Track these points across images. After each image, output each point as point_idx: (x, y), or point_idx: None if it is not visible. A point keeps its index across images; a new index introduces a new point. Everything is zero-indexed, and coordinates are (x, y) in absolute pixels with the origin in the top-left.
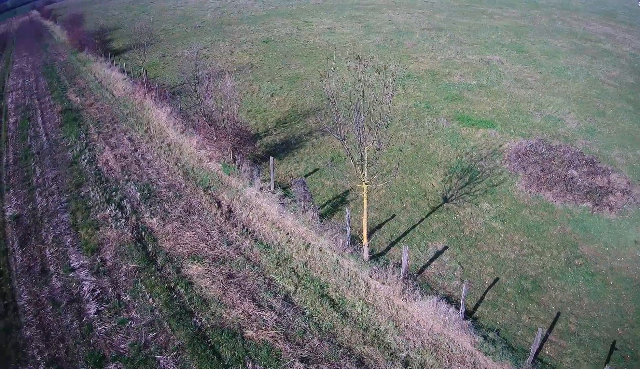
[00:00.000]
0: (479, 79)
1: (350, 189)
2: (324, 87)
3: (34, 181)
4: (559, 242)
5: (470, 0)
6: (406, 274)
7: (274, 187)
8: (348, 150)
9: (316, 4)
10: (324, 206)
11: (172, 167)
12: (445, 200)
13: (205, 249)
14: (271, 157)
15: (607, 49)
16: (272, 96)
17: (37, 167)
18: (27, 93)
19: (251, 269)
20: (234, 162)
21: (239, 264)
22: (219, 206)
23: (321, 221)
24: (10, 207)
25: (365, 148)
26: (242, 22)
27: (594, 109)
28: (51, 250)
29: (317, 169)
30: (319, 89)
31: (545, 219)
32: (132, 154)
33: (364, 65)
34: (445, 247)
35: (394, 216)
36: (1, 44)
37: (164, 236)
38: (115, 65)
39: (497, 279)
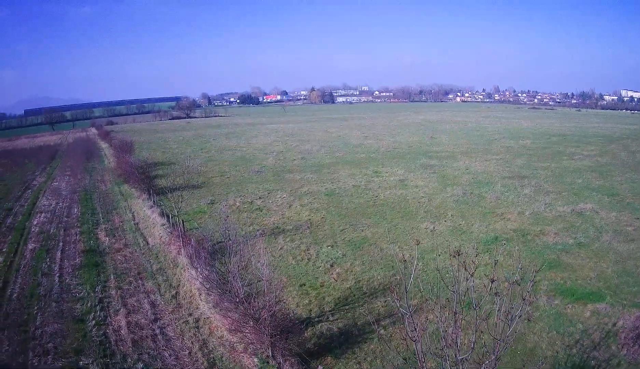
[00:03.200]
0: (576, 236)
1: None
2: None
3: (31, 330)
4: None
5: (547, 142)
6: None
7: None
8: None
9: (387, 151)
10: None
11: (195, 353)
12: None
13: None
14: (320, 368)
15: None
16: (332, 266)
17: (39, 315)
18: (56, 219)
19: None
20: (273, 358)
21: None
22: None
23: None
24: None
25: None
26: (305, 170)
27: None
28: None
29: None
30: (390, 257)
31: None
32: (151, 325)
33: (468, 271)
34: None
35: None
36: (49, 156)
37: None
38: (158, 206)
39: None
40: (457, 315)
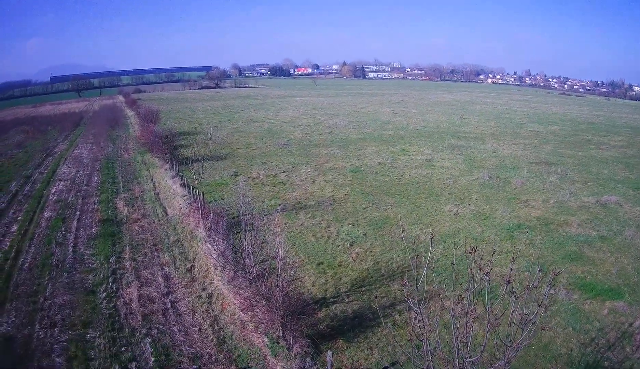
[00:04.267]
0: (599, 229)
1: None
2: None
3: (40, 301)
4: None
5: (575, 129)
6: None
7: None
8: None
9: (415, 130)
10: None
11: (205, 330)
12: None
13: None
14: (329, 353)
15: None
16: (351, 245)
17: (50, 285)
18: (75, 188)
19: None
20: (284, 339)
21: None
22: None
23: None
24: (5, 323)
25: None
26: (331, 145)
27: None
28: None
29: (395, 364)
30: (411, 240)
31: None
32: (162, 299)
33: (484, 271)
34: None
35: None
36: (74, 123)
37: None
38: (180, 176)
39: None
40: (470, 315)
